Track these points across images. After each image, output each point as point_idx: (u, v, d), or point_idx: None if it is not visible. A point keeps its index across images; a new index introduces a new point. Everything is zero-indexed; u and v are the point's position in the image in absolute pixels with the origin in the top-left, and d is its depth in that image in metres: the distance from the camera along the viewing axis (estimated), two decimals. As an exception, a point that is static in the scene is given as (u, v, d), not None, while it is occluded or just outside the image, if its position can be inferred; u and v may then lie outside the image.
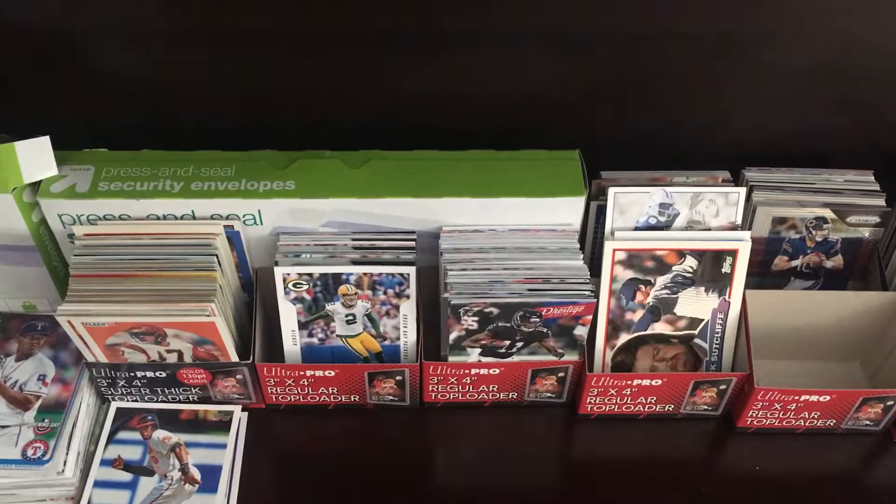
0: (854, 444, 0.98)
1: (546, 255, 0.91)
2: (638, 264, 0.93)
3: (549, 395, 0.99)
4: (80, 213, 0.89)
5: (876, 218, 0.99)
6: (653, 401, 0.97)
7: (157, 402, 0.97)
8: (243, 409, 0.98)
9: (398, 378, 0.94)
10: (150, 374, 0.93)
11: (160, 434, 0.95)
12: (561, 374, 0.95)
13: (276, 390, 0.96)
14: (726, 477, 0.96)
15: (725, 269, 0.93)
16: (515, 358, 0.94)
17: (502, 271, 0.90)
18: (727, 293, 0.95)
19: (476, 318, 0.89)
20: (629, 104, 1.03)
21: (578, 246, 0.92)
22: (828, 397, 0.92)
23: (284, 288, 0.89)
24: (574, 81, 1.01)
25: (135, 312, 0.85)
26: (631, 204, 0.92)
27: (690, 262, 0.93)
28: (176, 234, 0.90)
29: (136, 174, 0.90)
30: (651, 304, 0.95)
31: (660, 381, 0.94)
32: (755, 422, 0.97)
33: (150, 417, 0.96)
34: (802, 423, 0.97)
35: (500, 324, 0.90)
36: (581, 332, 0.91)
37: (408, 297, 0.91)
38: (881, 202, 0.99)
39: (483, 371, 0.94)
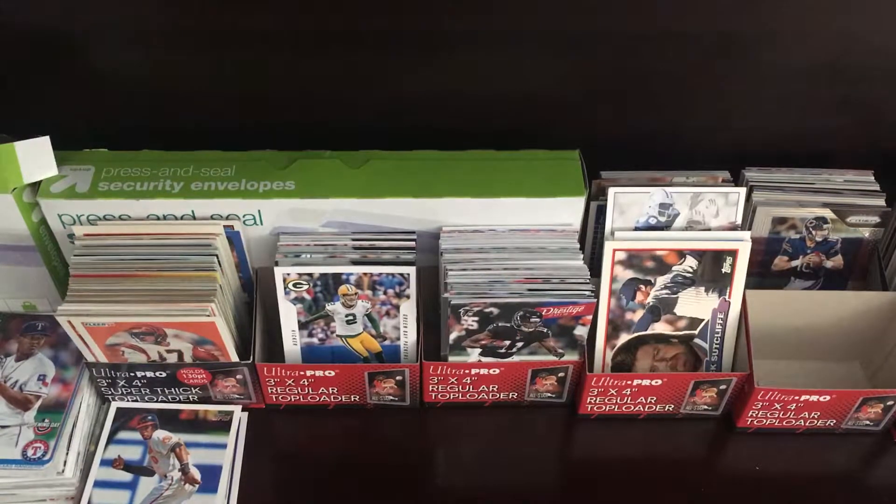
0: (854, 444, 0.98)
1: (546, 255, 0.91)
2: (638, 264, 0.93)
3: (550, 395, 0.99)
4: (80, 214, 0.89)
5: (876, 218, 0.99)
6: (653, 401, 0.97)
7: (157, 402, 0.97)
8: (243, 409, 0.98)
9: (398, 378, 0.94)
10: (150, 374, 0.93)
11: (160, 434, 0.95)
12: (561, 374, 0.95)
13: (277, 390, 0.96)
14: (726, 477, 0.96)
15: (725, 269, 0.93)
16: (515, 358, 0.94)
17: (502, 271, 0.89)
18: (727, 293, 0.95)
19: (476, 318, 0.89)
20: (629, 104, 1.03)
21: (578, 246, 0.92)
22: (828, 397, 0.92)
23: (284, 288, 0.89)
24: (574, 81, 1.01)
25: (135, 312, 0.85)
26: (631, 204, 0.92)
27: (690, 262, 0.93)
28: (176, 234, 0.90)
29: (136, 174, 0.90)
30: (651, 304, 0.95)
31: (660, 381, 0.94)
32: (755, 422, 0.97)
33: (150, 417, 0.96)
34: (802, 423, 0.97)
35: (500, 324, 0.90)
36: (581, 332, 0.91)
37: (408, 297, 0.91)
38: (881, 202, 0.99)
39: (483, 371, 0.94)
